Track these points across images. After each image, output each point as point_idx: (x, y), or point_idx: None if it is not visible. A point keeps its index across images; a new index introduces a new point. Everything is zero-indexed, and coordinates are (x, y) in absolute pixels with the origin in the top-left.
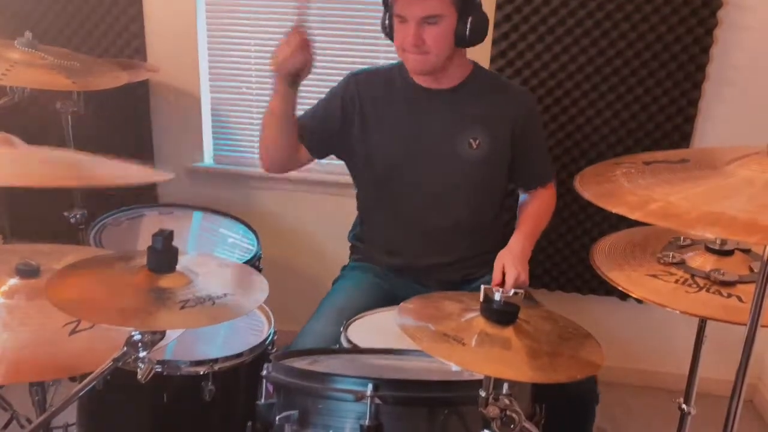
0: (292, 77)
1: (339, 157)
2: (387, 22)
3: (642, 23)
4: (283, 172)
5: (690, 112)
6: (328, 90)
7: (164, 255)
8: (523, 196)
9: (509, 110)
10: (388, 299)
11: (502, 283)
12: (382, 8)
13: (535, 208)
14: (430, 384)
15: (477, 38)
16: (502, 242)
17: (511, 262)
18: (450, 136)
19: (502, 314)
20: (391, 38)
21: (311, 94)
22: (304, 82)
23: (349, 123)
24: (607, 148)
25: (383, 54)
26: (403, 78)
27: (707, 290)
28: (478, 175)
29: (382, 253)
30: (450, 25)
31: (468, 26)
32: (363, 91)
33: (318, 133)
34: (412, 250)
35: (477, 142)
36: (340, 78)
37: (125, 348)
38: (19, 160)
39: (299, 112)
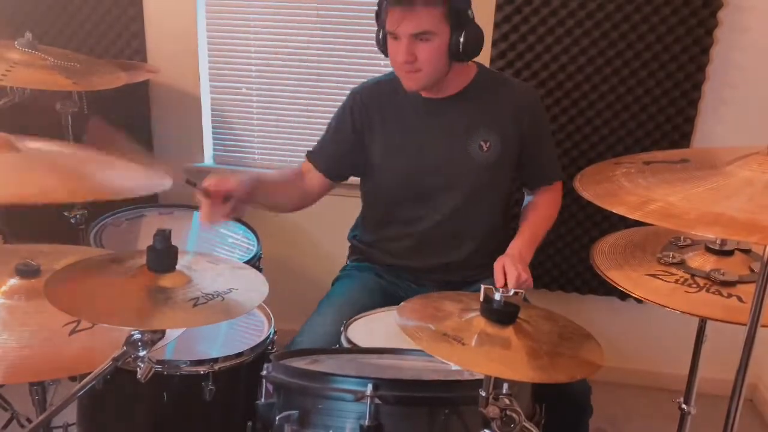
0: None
1: (356, 175)
2: (381, 37)
3: (642, 24)
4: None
5: (690, 113)
6: (332, 107)
7: (164, 254)
8: (528, 198)
9: (515, 107)
10: (388, 299)
11: (505, 285)
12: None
13: (538, 214)
14: (430, 384)
15: (472, 53)
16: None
17: (510, 263)
18: (459, 142)
19: (502, 314)
20: (386, 54)
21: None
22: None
23: (360, 137)
24: (607, 149)
25: (385, 68)
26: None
27: (707, 290)
28: (489, 177)
29: (386, 255)
30: (443, 42)
31: (461, 41)
32: (369, 103)
33: (335, 156)
34: (418, 255)
35: (488, 144)
36: (343, 90)
37: (125, 347)
38: (22, 168)
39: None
